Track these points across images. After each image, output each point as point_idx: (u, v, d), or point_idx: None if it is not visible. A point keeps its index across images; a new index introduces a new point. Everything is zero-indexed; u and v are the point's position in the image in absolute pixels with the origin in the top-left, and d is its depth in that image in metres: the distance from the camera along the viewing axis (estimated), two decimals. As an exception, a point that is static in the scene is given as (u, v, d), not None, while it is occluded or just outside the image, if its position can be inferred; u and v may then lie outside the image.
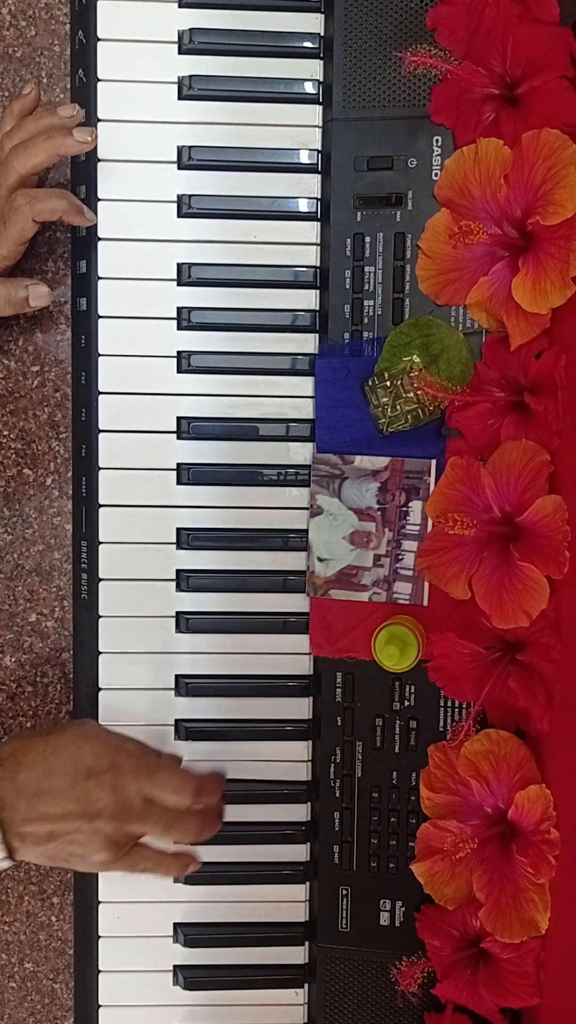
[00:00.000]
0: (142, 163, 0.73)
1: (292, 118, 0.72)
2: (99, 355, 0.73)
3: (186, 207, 0.73)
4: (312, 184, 0.73)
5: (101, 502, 0.74)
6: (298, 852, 0.76)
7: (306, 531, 0.74)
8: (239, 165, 0.72)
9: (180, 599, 0.75)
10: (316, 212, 0.73)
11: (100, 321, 0.73)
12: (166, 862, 0.70)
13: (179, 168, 0.73)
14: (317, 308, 0.73)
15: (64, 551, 0.78)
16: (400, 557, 0.72)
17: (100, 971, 0.76)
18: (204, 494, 0.74)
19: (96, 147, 0.70)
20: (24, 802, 0.64)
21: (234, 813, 0.76)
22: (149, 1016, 0.77)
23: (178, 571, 0.74)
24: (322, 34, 0.72)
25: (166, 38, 0.72)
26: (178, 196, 0.73)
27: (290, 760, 0.76)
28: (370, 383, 0.71)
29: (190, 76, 0.72)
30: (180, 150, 0.72)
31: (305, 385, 0.74)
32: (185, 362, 0.73)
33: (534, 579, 0.64)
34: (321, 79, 0.72)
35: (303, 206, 0.73)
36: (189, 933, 0.76)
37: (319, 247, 0.73)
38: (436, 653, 0.69)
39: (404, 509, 0.72)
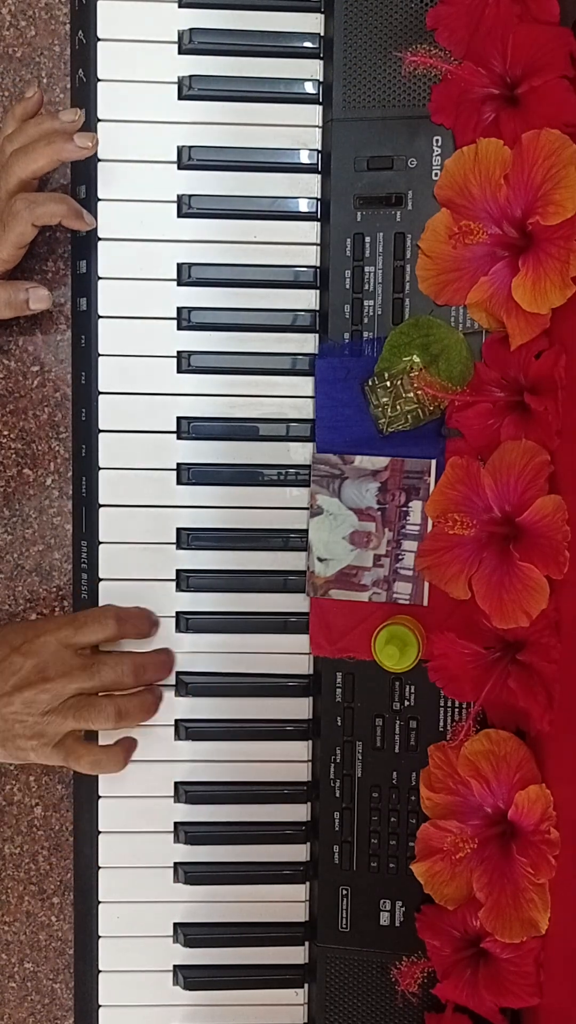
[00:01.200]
0: (142, 163, 0.73)
1: (292, 118, 0.73)
2: (99, 355, 0.73)
3: (186, 207, 0.73)
4: (312, 184, 0.73)
5: (101, 502, 0.74)
6: (298, 852, 0.76)
7: (306, 531, 0.74)
8: (239, 165, 0.72)
9: (180, 599, 0.75)
10: (316, 212, 0.73)
11: (100, 321, 0.73)
12: (106, 751, 0.70)
13: (179, 168, 0.73)
14: (317, 308, 0.73)
15: (64, 551, 0.78)
16: (400, 557, 0.72)
17: (100, 971, 0.76)
18: (204, 494, 0.74)
19: (98, 142, 0.70)
20: None
21: (234, 813, 0.76)
22: (149, 1016, 0.77)
23: (178, 571, 0.74)
24: (322, 34, 0.72)
25: (166, 38, 0.72)
26: (178, 196, 0.73)
27: (290, 760, 0.76)
28: (370, 383, 0.71)
29: (190, 76, 0.72)
30: (180, 150, 0.72)
31: (305, 385, 0.74)
32: (185, 362, 0.73)
33: (534, 579, 0.64)
34: (321, 79, 0.72)
35: (303, 206, 0.73)
36: (189, 933, 0.76)
37: (319, 247, 0.73)
38: (436, 653, 0.69)
39: (404, 509, 0.72)
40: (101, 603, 0.74)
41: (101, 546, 0.74)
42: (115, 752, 0.71)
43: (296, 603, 0.75)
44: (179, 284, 0.73)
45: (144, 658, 0.72)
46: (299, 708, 0.75)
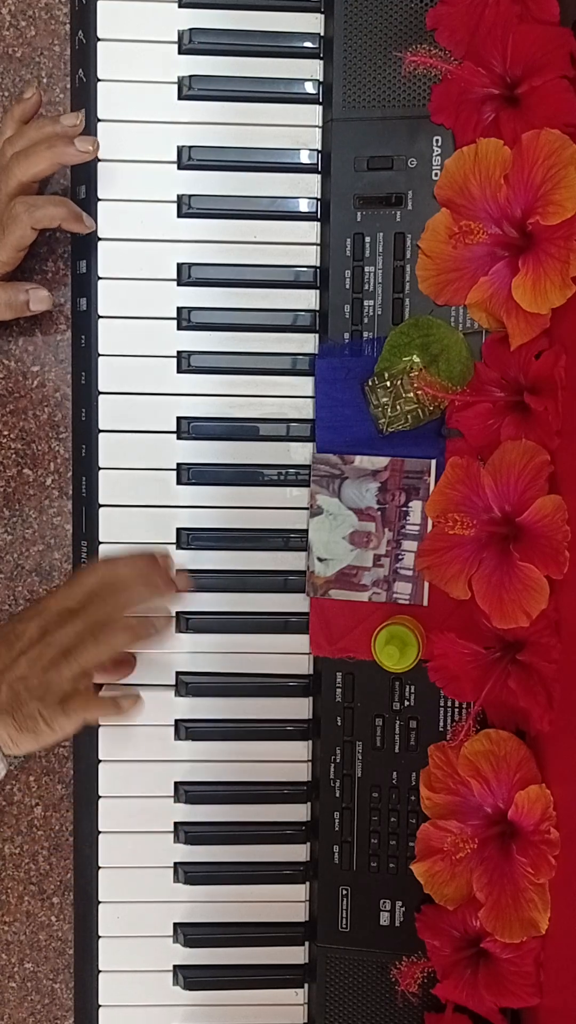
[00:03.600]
0: (142, 163, 0.73)
1: (292, 118, 0.72)
2: (99, 355, 0.73)
3: (186, 207, 0.73)
4: (312, 184, 0.73)
5: (101, 502, 0.74)
6: (298, 852, 0.76)
7: (306, 531, 0.74)
8: (239, 165, 0.72)
9: (180, 599, 0.75)
10: (316, 212, 0.73)
11: (100, 321, 0.73)
12: (115, 702, 0.70)
13: (179, 168, 0.73)
14: (317, 308, 0.73)
15: (64, 551, 0.78)
16: (400, 557, 0.72)
17: (100, 971, 0.76)
18: (204, 494, 0.74)
19: (99, 146, 0.70)
20: None
21: (234, 813, 0.76)
22: (149, 1016, 0.77)
23: (178, 571, 0.74)
24: (322, 34, 0.72)
25: (166, 38, 0.72)
26: (178, 196, 0.73)
27: (290, 760, 0.76)
28: (370, 383, 0.71)
29: (190, 76, 0.72)
30: (180, 150, 0.72)
31: (305, 385, 0.74)
32: (185, 362, 0.73)
33: (534, 579, 0.64)
34: (321, 79, 0.72)
35: (303, 206, 0.73)
36: (189, 933, 0.76)
37: (319, 247, 0.73)
38: (436, 653, 0.69)
39: (404, 509, 0.72)
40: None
41: (101, 546, 0.74)
42: (128, 701, 0.70)
43: (296, 603, 0.75)
44: (179, 284, 0.73)
45: (130, 563, 0.70)
46: (299, 708, 0.75)
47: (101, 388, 0.73)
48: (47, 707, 0.67)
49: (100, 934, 0.76)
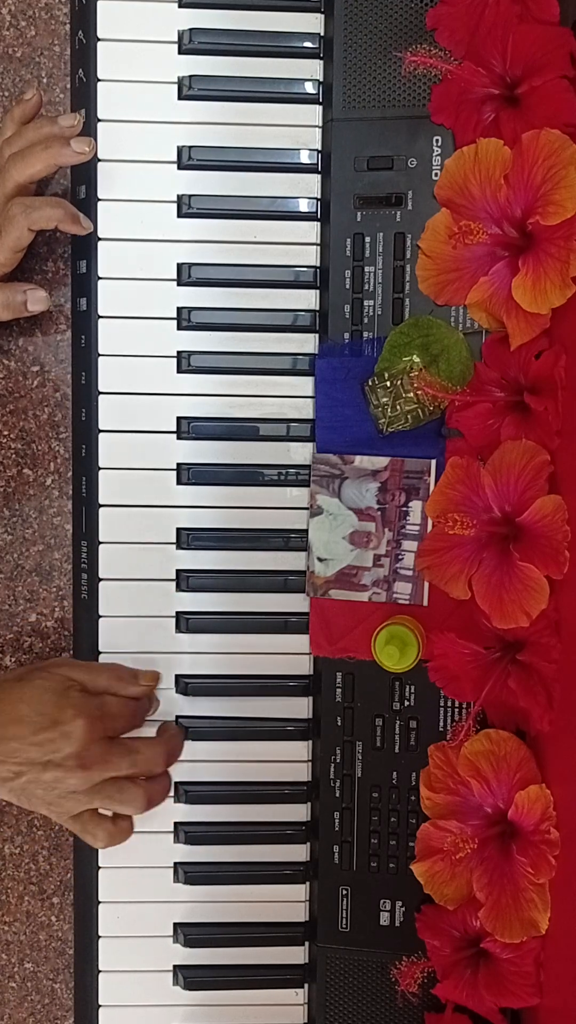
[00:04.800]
0: (142, 163, 0.73)
1: (292, 118, 0.72)
2: (99, 355, 0.73)
3: (186, 207, 0.73)
4: (312, 184, 0.73)
5: (101, 502, 0.74)
6: (298, 852, 0.76)
7: (306, 531, 0.74)
8: (239, 165, 0.72)
9: (180, 599, 0.75)
10: (316, 212, 0.73)
11: (100, 321, 0.73)
12: (119, 827, 0.72)
13: (179, 168, 0.73)
14: (317, 308, 0.73)
15: (64, 551, 0.78)
16: (400, 557, 0.72)
17: (100, 971, 0.76)
18: (204, 494, 0.74)
19: (96, 147, 0.70)
20: None
21: (234, 813, 0.76)
22: (149, 1016, 0.77)
23: (178, 571, 0.74)
24: (322, 34, 0.72)
25: (166, 38, 0.72)
26: (178, 196, 0.73)
27: (290, 760, 0.76)
28: (370, 383, 0.71)
29: (190, 76, 0.72)
30: (180, 150, 0.72)
31: (305, 385, 0.74)
32: (185, 362, 0.73)
33: (534, 579, 0.64)
34: (321, 79, 0.72)
35: (303, 206, 0.73)
36: (189, 933, 0.76)
37: (319, 247, 0.73)
38: (436, 653, 0.69)
39: (404, 509, 0.72)
40: (101, 604, 0.74)
41: (101, 546, 0.74)
42: (127, 826, 0.72)
43: (296, 603, 0.75)
44: (179, 284, 0.73)
45: (173, 744, 0.72)
46: (299, 708, 0.75)
47: (101, 388, 0.73)
48: (53, 813, 0.70)
49: (100, 934, 0.76)
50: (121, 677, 0.72)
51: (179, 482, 0.74)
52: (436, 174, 0.70)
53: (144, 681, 0.73)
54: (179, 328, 0.73)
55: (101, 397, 0.73)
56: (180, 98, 0.72)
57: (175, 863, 0.76)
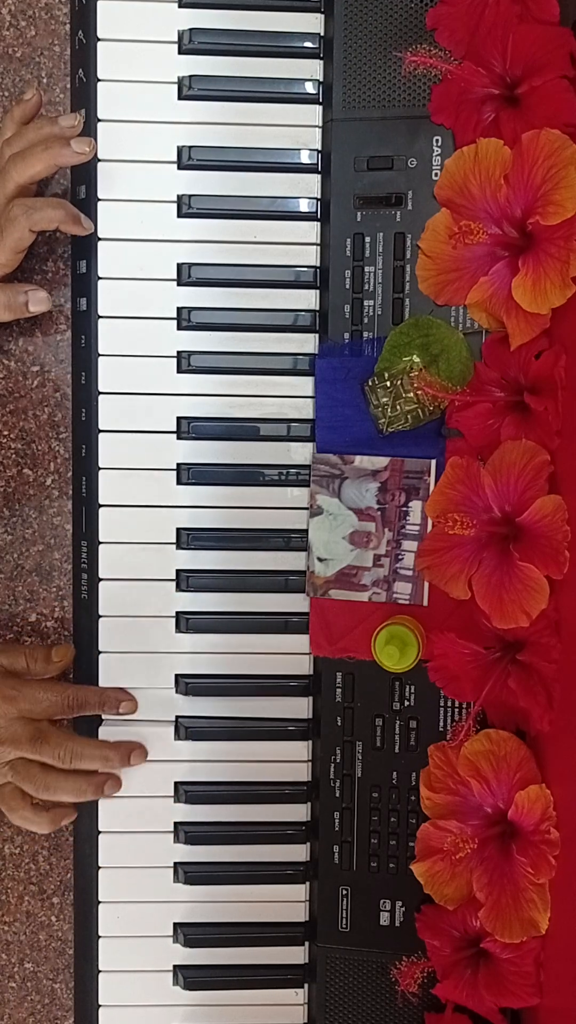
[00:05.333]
0: (142, 163, 0.73)
1: (292, 118, 0.72)
2: (99, 355, 0.73)
3: (186, 207, 0.73)
4: (312, 184, 0.73)
5: (101, 502, 0.74)
6: (298, 852, 0.76)
7: (306, 531, 0.74)
8: (239, 165, 0.72)
9: (180, 599, 0.75)
10: (316, 212, 0.73)
11: (100, 321, 0.73)
12: (37, 815, 0.73)
13: (179, 168, 0.73)
14: (317, 308, 0.73)
15: (64, 551, 0.78)
16: (400, 557, 0.72)
17: (100, 971, 0.76)
18: (204, 494, 0.74)
19: (96, 147, 0.70)
20: None
21: (234, 813, 0.76)
22: (149, 1016, 0.77)
23: (178, 571, 0.74)
24: (322, 34, 0.72)
25: (166, 38, 0.72)
26: (178, 196, 0.73)
27: (290, 760, 0.76)
28: (370, 383, 0.71)
29: (190, 76, 0.72)
30: (180, 150, 0.72)
31: (305, 385, 0.74)
32: (185, 362, 0.73)
33: (534, 579, 0.64)
34: (321, 79, 0.72)
35: (303, 206, 0.73)
36: (189, 933, 0.76)
37: (319, 247, 0.73)
38: (436, 653, 0.69)
39: (404, 509, 0.72)
40: (101, 604, 0.74)
41: (101, 546, 0.74)
42: (44, 819, 0.73)
43: (296, 603, 0.75)
44: (179, 284, 0.73)
45: (88, 746, 0.73)
46: (299, 708, 0.75)
47: (101, 388, 0.73)
48: None
49: (100, 934, 0.76)
50: (35, 657, 0.74)
51: (179, 482, 0.74)
52: (436, 174, 0.70)
53: (56, 658, 0.74)
54: (179, 328, 0.73)
55: (101, 397, 0.73)
56: (180, 98, 0.72)
57: (175, 863, 0.76)
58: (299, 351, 0.73)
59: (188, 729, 0.75)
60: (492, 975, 0.68)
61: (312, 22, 0.72)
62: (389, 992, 0.73)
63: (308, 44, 0.72)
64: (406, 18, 0.70)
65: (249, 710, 0.75)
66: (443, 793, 0.69)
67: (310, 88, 0.72)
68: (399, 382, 0.70)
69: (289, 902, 0.76)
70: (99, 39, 0.71)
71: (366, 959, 0.74)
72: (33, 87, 0.73)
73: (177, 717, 0.75)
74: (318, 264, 0.73)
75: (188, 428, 0.74)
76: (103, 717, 0.75)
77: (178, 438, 0.74)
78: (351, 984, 0.74)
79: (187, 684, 0.75)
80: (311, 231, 0.73)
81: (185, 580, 0.74)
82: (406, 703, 0.73)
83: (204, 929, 0.76)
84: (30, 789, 0.72)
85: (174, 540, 0.74)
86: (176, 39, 0.72)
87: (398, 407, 0.71)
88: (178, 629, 0.75)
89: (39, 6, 0.75)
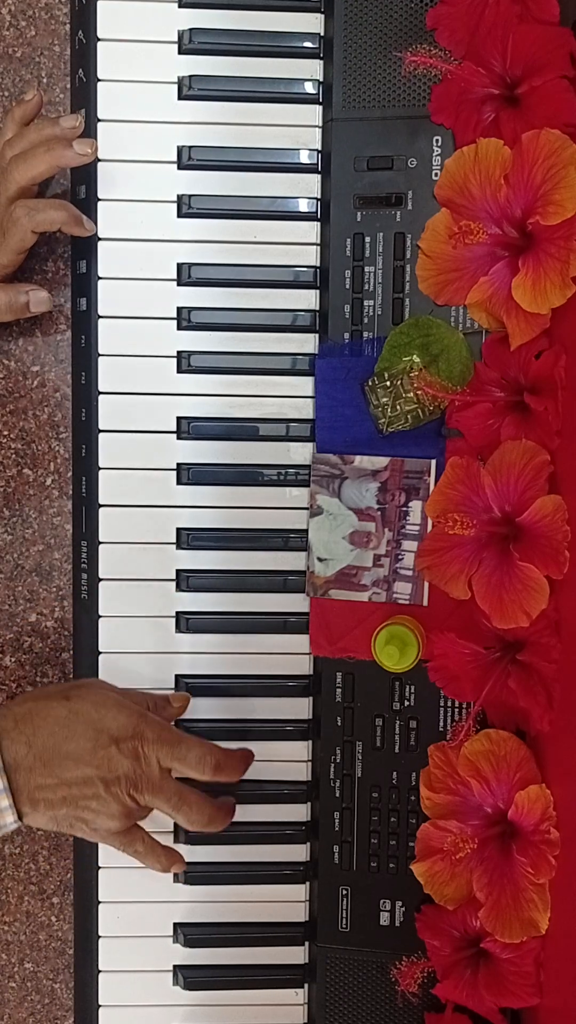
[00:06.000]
0: (142, 163, 0.73)
1: (292, 118, 0.72)
2: (99, 355, 0.73)
3: (186, 207, 0.73)
4: (312, 184, 0.73)
5: (101, 502, 0.74)
6: (298, 852, 0.76)
7: (306, 531, 0.74)
8: (239, 165, 0.72)
9: (180, 599, 0.75)
10: (316, 212, 0.73)
11: (100, 321, 0.73)
12: (157, 851, 0.70)
13: (179, 168, 0.73)
14: (317, 308, 0.73)
15: (64, 551, 0.78)
16: (400, 557, 0.72)
17: (100, 971, 0.76)
18: (204, 494, 0.74)
19: (97, 148, 0.70)
20: (41, 766, 0.64)
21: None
22: (149, 1016, 0.77)
23: (178, 571, 0.74)
24: (322, 34, 0.72)
25: (166, 38, 0.72)
26: (178, 196, 0.73)
27: (290, 760, 0.76)
28: (370, 383, 0.71)
29: (190, 76, 0.72)
30: (180, 150, 0.72)
31: (305, 385, 0.74)
32: (185, 362, 0.73)
33: (534, 579, 0.64)
34: (321, 79, 0.72)
35: (303, 206, 0.73)
36: (189, 933, 0.76)
37: (319, 247, 0.73)
38: (436, 653, 0.69)
39: (404, 509, 0.72)
40: (101, 604, 0.74)
41: (101, 546, 0.74)
42: (170, 857, 0.71)
43: (296, 603, 0.75)
44: (179, 284, 0.73)
45: (224, 812, 0.71)
46: (299, 708, 0.75)
47: (101, 388, 0.73)
48: (93, 824, 0.67)
49: (100, 934, 0.76)
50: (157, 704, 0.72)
51: (179, 482, 0.74)
52: (436, 174, 0.70)
53: (176, 703, 0.73)
54: (179, 328, 0.73)
55: (101, 397, 0.73)
56: (180, 98, 0.72)
57: (175, 863, 0.76)
58: (299, 351, 0.73)
59: (188, 730, 0.75)
60: (492, 975, 0.68)
61: (312, 22, 0.72)
62: (389, 992, 0.73)
63: (308, 44, 0.72)
64: (406, 18, 0.70)
65: (249, 710, 0.75)
66: (443, 793, 0.69)
67: (310, 88, 0.72)
68: (399, 382, 0.70)
69: (289, 902, 0.76)
70: (99, 39, 0.71)
71: (366, 959, 0.74)
72: (33, 87, 0.73)
73: (177, 719, 0.75)
74: (318, 264, 0.73)
75: (188, 428, 0.74)
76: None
77: (178, 438, 0.74)
78: (351, 984, 0.74)
79: (187, 684, 0.75)
80: (311, 231, 0.73)
81: (185, 580, 0.74)
82: (406, 703, 0.73)
83: (204, 929, 0.76)
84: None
85: (174, 540, 0.74)
86: (176, 39, 0.72)
87: (398, 407, 0.71)
88: (178, 629, 0.75)
89: (39, 6, 0.75)
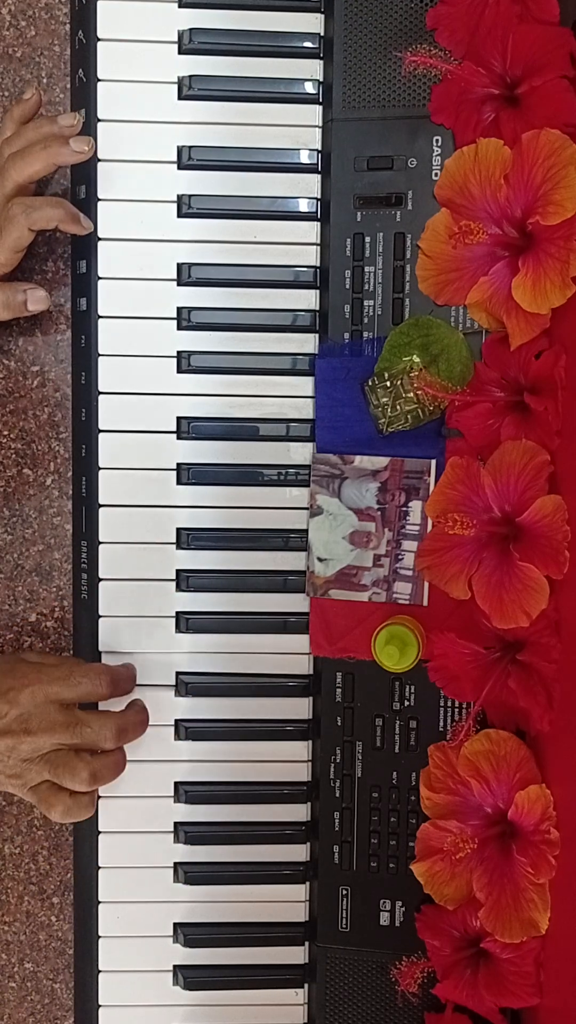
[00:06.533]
0: (142, 163, 0.73)
1: (292, 118, 0.72)
2: (99, 355, 0.73)
3: (186, 207, 0.73)
4: (312, 184, 0.73)
5: (101, 502, 0.74)
6: (298, 852, 0.76)
7: (306, 531, 0.74)
8: (239, 165, 0.72)
9: (180, 599, 0.75)
10: (316, 212, 0.73)
11: (100, 321, 0.73)
12: (76, 801, 0.70)
13: (179, 168, 0.73)
14: (317, 308, 0.73)
15: (64, 551, 0.78)
16: (400, 557, 0.72)
17: (100, 971, 0.76)
18: (204, 494, 0.74)
19: (96, 147, 0.70)
20: None
21: (234, 813, 0.76)
22: (149, 1016, 0.77)
23: (178, 571, 0.75)
24: (322, 34, 0.72)
25: (166, 38, 0.72)
26: (178, 196, 0.73)
27: (290, 760, 0.76)
28: (370, 383, 0.71)
29: (190, 76, 0.72)
30: (180, 150, 0.72)
31: (305, 385, 0.74)
32: (185, 362, 0.73)
33: (534, 579, 0.64)
34: (321, 79, 0.72)
35: (303, 206, 0.73)
36: (189, 933, 0.76)
37: (319, 247, 0.73)
38: (436, 653, 0.69)
39: (404, 509, 0.72)
40: (101, 604, 0.74)
41: (101, 546, 0.74)
42: (86, 802, 0.70)
43: (296, 603, 0.75)
44: (179, 284, 0.73)
45: (126, 719, 0.71)
46: (299, 708, 0.75)
47: (101, 388, 0.73)
48: (16, 786, 0.70)
49: (100, 934, 0.76)
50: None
51: (179, 482, 0.74)
52: (436, 174, 0.70)
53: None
54: (179, 328, 0.73)
55: (101, 397, 0.73)
56: (180, 98, 0.72)
57: (175, 863, 0.76)
58: (299, 351, 0.73)
59: (188, 729, 0.75)
60: (492, 975, 0.68)
61: (312, 22, 0.72)
62: (389, 992, 0.73)
63: (308, 44, 0.72)
64: (406, 18, 0.70)
65: (249, 710, 0.75)
66: (443, 793, 0.69)
67: (310, 88, 0.72)
68: (399, 382, 0.70)
69: (289, 902, 0.76)
70: (99, 39, 0.71)
71: (366, 959, 0.74)
72: (33, 87, 0.73)
73: (176, 719, 0.75)
74: (318, 264, 0.73)
75: (188, 428, 0.74)
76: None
77: (178, 438, 0.74)
78: (351, 984, 0.74)
79: (187, 684, 0.75)
80: (311, 231, 0.73)
81: (185, 580, 0.74)
82: (406, 703, 0.73)
83: (204, 929, 0.76)
84: (74, 784, 0.69)
85: (174, 540, 0.74)
86: (176, 39, 0.72)
87: (398, 407, 0.71)
88: (178, 629, 0.75)
89: (39, 6, 0.75)
